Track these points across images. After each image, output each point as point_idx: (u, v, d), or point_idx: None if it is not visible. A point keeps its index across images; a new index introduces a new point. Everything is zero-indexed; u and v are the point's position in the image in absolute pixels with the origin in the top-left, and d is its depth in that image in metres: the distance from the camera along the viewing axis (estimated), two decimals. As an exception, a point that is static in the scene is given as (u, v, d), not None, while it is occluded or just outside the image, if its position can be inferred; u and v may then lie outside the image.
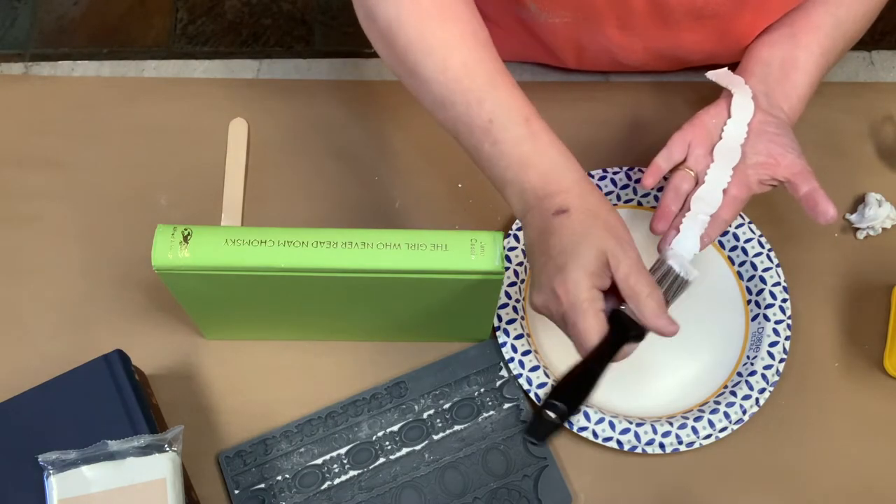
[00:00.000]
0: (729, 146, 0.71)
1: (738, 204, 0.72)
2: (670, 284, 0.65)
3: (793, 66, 0.73)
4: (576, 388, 0.59)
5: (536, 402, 0.74)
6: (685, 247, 0.71)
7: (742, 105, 0.72)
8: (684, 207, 0.72)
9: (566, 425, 0.71)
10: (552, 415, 0.57)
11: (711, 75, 0.74)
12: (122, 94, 0.88)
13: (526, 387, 0.74)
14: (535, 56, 0.87)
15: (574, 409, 0.58)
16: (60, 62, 0.89)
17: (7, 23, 1.82)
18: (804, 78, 0.73)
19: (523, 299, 0.77)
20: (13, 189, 0.83)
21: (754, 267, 0.79)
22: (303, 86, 0.88)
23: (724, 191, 0.71)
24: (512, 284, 0.77)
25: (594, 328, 0.58)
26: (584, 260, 0.58)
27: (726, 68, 0.74)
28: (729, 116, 0.72)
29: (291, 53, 1.78)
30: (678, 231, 0.71)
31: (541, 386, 0.73)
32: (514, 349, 0.75)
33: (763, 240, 0.79)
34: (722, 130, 0.72)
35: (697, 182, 0.72)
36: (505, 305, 0.76)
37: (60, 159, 0.84)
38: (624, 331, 0.59)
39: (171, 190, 0.83)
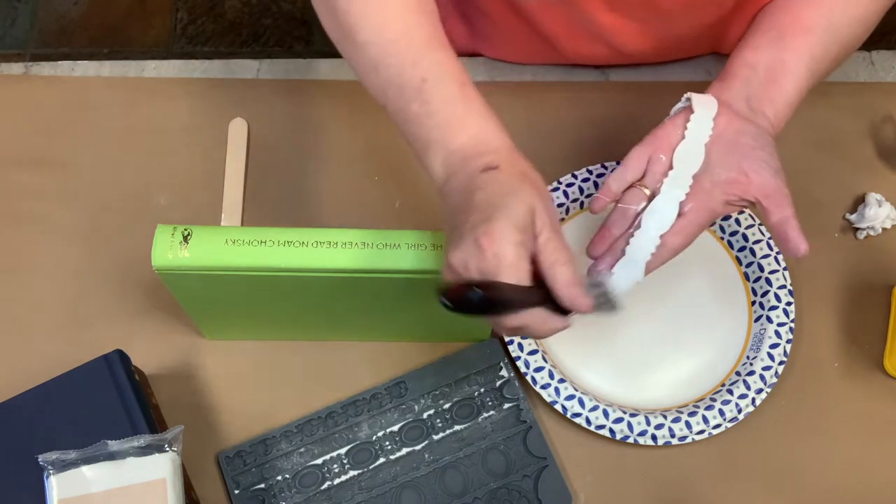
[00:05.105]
0: (692, 148, 0.65)
1: (693, 229, 0.65)
2: (595, 298, 0.60)
3: (780, 70, 0.67)
4: (487, 298, 0.53)
5: (526, 370, 0.75)
6: (628, 273, 0.65)
7: (703, 102, 0.66)
8: (631, 229, 0.66)
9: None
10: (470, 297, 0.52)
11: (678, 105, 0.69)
12: (122, 94, 0.88)
13: (523, 369, 0.74)
14: (535, 52, 0.87)
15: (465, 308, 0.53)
16: (60, 62, 0.89)
17: (7, 23, 1.82)
18: (792, 82, 0.67)
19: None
20: (13, 189, 0.83)
21: (761, 269, 0.78)
22: (303, 86, 0.88)
23: (680, 211, 0.65)
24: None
25: (517, 273, 0.53)
26: (513, 213, 0.54)
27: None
28: (692, 112, 0.66)
29: (291, 53, 1.78)
30: (614, 257, 0.65)
31: (545, 387, 0.73)
32: (521, 348, 0.75)
33: (772, 242, 0.79)
34: (685, 130, 0.65)
35: (652, 198, 0.66)
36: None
37: (60, 159, 0.84)
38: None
39: (171, 190, 0.83)
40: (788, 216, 0.63)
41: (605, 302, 0.63)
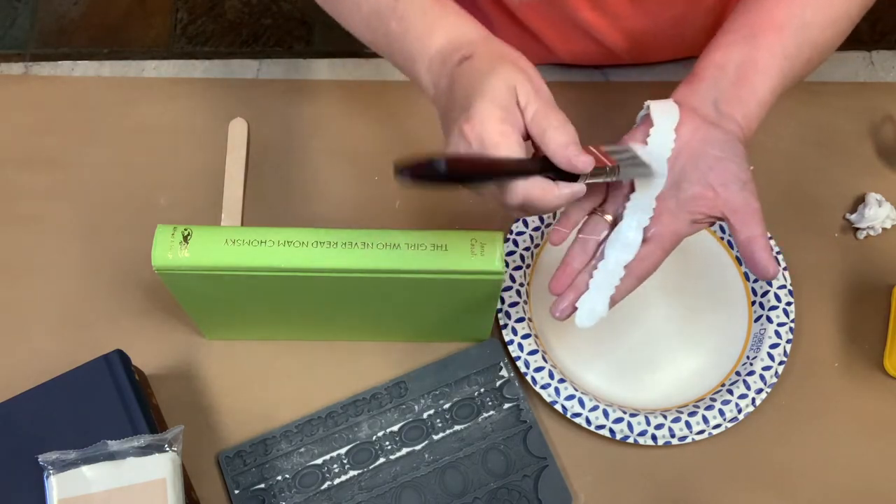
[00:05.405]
0: (654, 161, 0.61)
1: (659, 255, 0.61)
2: (626, 158, 0.58)
3: (751, 68, 0.62)
4: (475, 165, 0.51)
5: (532, 384, 0.75)
6: (592, 308, 0.61)
7: (664, 111, 0.62)
8: (593, 260, 0.62)
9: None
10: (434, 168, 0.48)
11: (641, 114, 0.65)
12: (122, 94, 0.88)
13: (523, 369, 0.74)
14: (529, 52, 0.87)
15: (455, 178, 0.50)
16: (60, 62, 0.89)
17: (7, 23, 1.82)
18: (764, 81, 0.62)
19: (528, 300, 0.77)
20: (13, 189, 0.83)
21: None
22: (303, 86, 0.88)
23: (645, 236, 0.61)
24: (508, 289, 0.77)
25: (506, 149, 0.51)
26: (489, 93, 0.52)
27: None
28: (651, 125, 0.61)
29: (291, 53, 1.79)
30: (577, 292, 0.61)
31: (545, 387, 0.73)
32: (521, 348, 0.75)
33: (772, 242, 0.79)
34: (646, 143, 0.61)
35: (615, 225, 0.62)
36: (515, 304, 0.76)
37: (60, 159, 0.84)
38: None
39: (171, 190, 0.83)
40: (756, 235, 0.59)
41: (635, 164, 0.59)
